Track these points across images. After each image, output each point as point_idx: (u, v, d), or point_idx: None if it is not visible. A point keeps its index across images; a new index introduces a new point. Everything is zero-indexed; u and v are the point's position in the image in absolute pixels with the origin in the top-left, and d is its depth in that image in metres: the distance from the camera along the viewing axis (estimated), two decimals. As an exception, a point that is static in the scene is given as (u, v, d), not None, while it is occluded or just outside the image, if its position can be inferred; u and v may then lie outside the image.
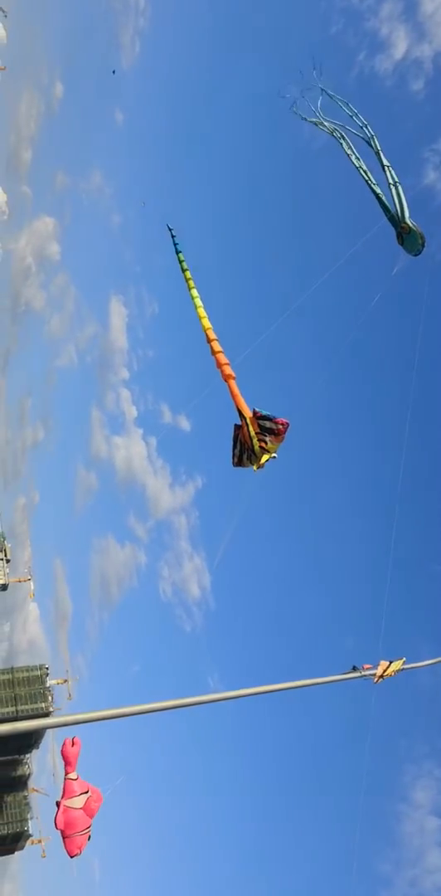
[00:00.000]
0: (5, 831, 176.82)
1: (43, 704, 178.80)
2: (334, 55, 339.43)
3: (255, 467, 17.44)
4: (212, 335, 17.99)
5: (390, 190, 20.23)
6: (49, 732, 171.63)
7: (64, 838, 11.26)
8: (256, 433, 16.89)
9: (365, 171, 21.57)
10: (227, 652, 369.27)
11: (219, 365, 17.40)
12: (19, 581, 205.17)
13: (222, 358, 17.56)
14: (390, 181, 20.44)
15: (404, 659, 18.97)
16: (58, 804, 11.42)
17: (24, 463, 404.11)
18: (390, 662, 18.42)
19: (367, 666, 17.89)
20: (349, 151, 22.13)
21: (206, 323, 18.54)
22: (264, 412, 16.60)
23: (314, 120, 24.02)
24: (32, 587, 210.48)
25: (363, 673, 17.66)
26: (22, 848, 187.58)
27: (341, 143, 22.57)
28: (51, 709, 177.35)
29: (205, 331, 18.27)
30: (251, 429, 16.96)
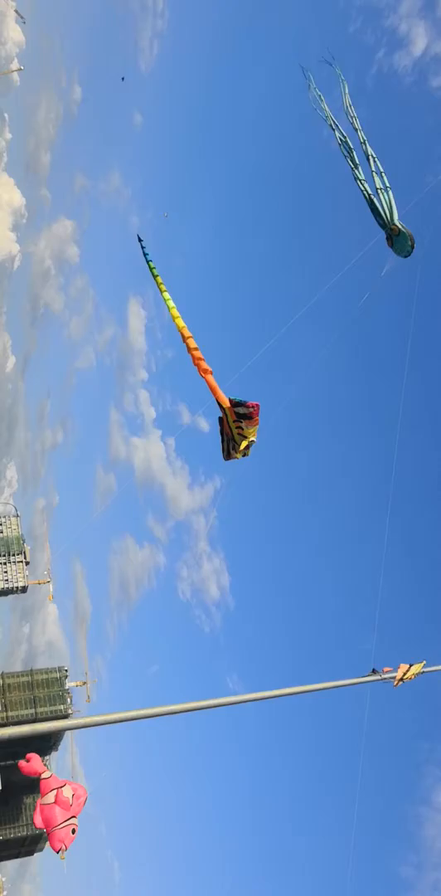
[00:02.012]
0: (24, 833, 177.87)
1: (62, 706, 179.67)
2: (353, 53, 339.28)
3: (238, 455, 17.80)
4: (187, 333, 18.31)
5: (379, 194, 20.28)
6: (68, 734, 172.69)
7: (48, 836, 11.43)
8: (234, 421, 17.20)
9: (356, 166, 21.63)
10: (246, 653, 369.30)
11: (195, 361, 17.71)
12: (39, 583, 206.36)
13: (198, 354, 17.87)
14: (379, 186, 20.49)
15: (425, 662, 18.86)
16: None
17: (43, 465, 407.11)
18: (410, 666, 18.32)
19: (386, 669, 17.79)
20: (345, 153, 22.17)
21: (180, 322, 18.95)
22: (237, 398, 16.85)
23: (325, 113, 24.05)
24: (51, 589, 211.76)
25: (383, 676, 17.57)
26: (41, 850, 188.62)
27: (340, 143, 22.61)
28: (70, 711, 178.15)
29: (179, 330, 18.65)
30: (229, 418, 17.28)
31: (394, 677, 17.85)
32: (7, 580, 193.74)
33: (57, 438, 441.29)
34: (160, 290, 21.05)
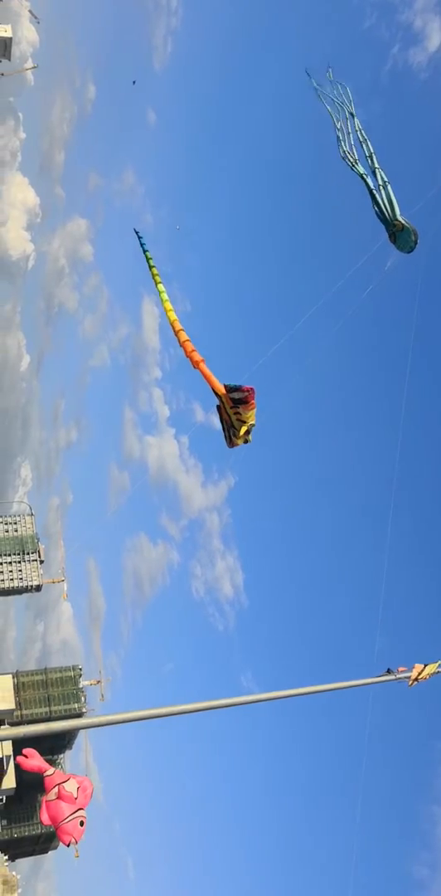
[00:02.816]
0: (38, 831, 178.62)
1: (76, 705, 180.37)
2: (367, 49, 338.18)
3: (239, 441, 17.80)
4: (178, 326, 18.40)
5: (380, 191, 20.25)
6: (82, 733, 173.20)
7: (56, 831, 11.45)
8: (231, 407, 17.21)
9: (356, 162, 21.62)
10: (260, 650, 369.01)
11: (187, 353, 17.74)
12: (53, 582, 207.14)
13: (189, 345, 17.92)
14: (380, 182, 20.47)
15: (440, 662, 18.75)
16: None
17: (57, 463, 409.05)
18: (425, 665, 18.22)
19: (401, 669, 17.72)
20: (347, 150, 22.19)
21: (173, 315, 19.05)
22: (231, 384, 16.86)
23: (330, 106, 24.14)
24: (66, 588, 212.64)
25: (398, 676, 17.49)
26: (55, 848, 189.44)
27: (341, 142, 22.65)
28: (84, 709, 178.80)
29: (171, 322, 18.77)
30: (226, 405, 17.29)
31: (408, 677, 17.77)
32: (21, 579, 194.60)
33: (71, 437, 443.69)
34: (155, 281, 21.40)
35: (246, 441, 17.89)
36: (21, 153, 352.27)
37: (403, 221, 19.52)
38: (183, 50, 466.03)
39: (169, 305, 19.53)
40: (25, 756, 11.54)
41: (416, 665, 18.12)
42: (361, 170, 21.38)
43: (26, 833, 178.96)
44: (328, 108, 24.38)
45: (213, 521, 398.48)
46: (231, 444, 18.28)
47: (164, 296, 20.05)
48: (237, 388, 16.72)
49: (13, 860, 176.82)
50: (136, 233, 24.75)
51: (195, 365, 17.57)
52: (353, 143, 22.61)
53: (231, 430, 17.85)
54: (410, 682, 17.89)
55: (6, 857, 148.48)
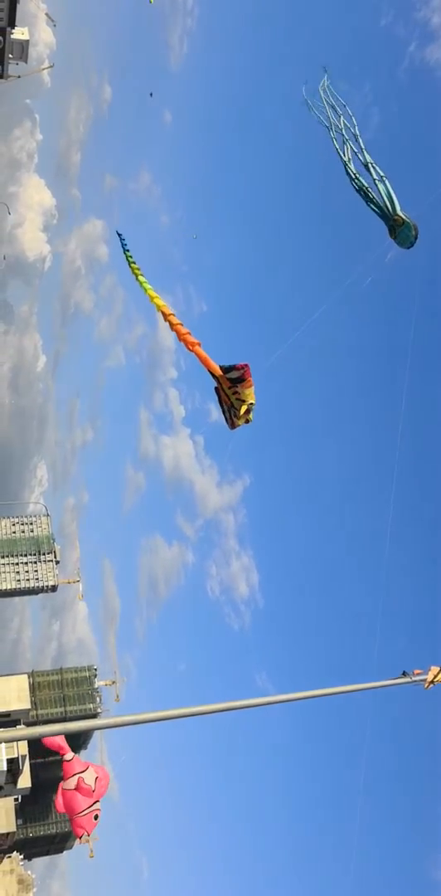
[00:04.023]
0: (53, 831, 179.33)
1: (91, 705, 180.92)
2: (384, 48, 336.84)
3: (240, 421, 17.75)
4: (168, 310, 18.37)
5: (377, 186, 20.03)
6: (97, 734, 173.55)
7: (70, 821, 11.48)
8: (229, 388, 17.16)
9: (346, 160, 21.48)
10: (275, 650, 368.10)
11: (181, 337, 17.70)
12: (68, 582, 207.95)
13: (182, 329, 17.86)
14: (375, 176, 20.25)
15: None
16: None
17: (73, 464, 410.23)
18: (441, 668, 18.12)
19: (417, 671, 17.63)
20: (340, 149, 22.07)
21: (160, 301, 19.06)
22: (226, 365, 16.83)
23: (321, 112, 24.11)
24: (81, 588, 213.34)
25: (413, 679, 17.41)
26: (70, 847, 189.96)
27: (334, 140, 22.54)
28: (99, 710, 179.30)
29: (160, 309, 18.77)
30: (224, 386, 17.24)
31: (424, 680, 17.68)
32: (37, 579, 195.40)
33: (87, 437, 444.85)
34: (136, 275, 21.64)
35: (247, 421, 17.77)
36: (38, 155, 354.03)
37: (403, 216, 19.29)
38: (199, 50, 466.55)
39: (153, 293, 19.61)
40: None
41: (432, 667, 18.02)
42: (353, 169, 21.16)
43: (41, 833, 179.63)
44: (321, 118, 24.30)
45: (229, 521, 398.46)
46: (233, 425, 18.19)
47: (147, 285, 20.22)
48: (233, 368, 16.71)
49: (29, 859, 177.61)
50: (119, 235, 25.29)
51: (190, 347, 17.49)
52: (351, 148, 22.37)
53: (231, 411, 17.80)
54: (426, 685, 17.80)
55: (22, 857, 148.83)
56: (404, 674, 17.37)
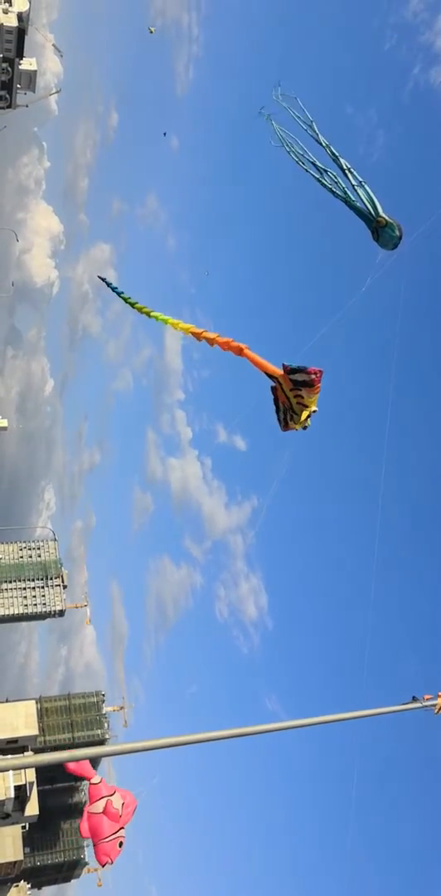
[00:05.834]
0: (62, 859, 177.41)
1: (99, 731, 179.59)
2: (388, 71, 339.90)
3: (297, 426, 17.22)
4: (197, 329, 17.93)
5: (357, 191, 19.93)
6: (105, 759, 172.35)
7: (93, 846, 11.15)
8: (291, 390, 16.48)
9: (320, 171, 21.30)
10: (285, 674, 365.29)
11: (226, 346, 17.15)
12: (76, 606, 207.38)
13: (222, 338, 17.37)
14: (354, 182, 20.15)
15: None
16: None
17: (81, 487, 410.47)
18: (452, 693, 17.96)
19: (427, 697, 17.48)
20: (310, 169, 21.89)
21: (184, 325, 18.64)
22: (294, 365, 16.05)
23: (282, 140, 23.93)
24: (89, 612, 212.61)
25: (424, 704, 17.26)
26: (78, 876, 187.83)
27: (301, 164, 22.37)
28: (107, 735, 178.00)
29: (188, 332, 18.31)
30: (285, 386, 16.59)
31: (434, 705, 17.53)
32: (45, 604, 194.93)
33: (94, 460, 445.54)
34: (147, 313, 20.97)
35: (304, 427, 17.18)
36: (45, 181, 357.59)
37: (386, 217, 19.17)
38: (205, 76, 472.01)
39: (174, 320, 19.04)
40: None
41: (443, 692, 17.87)
42: (327, 182, 20.94)
43: (49, 861, 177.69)
44: (281, 137, 24.09)
45: (237, 543, 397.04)
46: (286, 427, 17.61)
47: (163, 316, 19.75)
48: (302, 370, 15.85)
49: (38, 888, 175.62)
50: (103, 279, 24.75)
51: (238, 353, 16.85)
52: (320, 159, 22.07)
53: (288, 414, 17.14)
54: (437, 710, 17.64)
55: (30, 886, 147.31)
56: (414, 699, 17.22)
